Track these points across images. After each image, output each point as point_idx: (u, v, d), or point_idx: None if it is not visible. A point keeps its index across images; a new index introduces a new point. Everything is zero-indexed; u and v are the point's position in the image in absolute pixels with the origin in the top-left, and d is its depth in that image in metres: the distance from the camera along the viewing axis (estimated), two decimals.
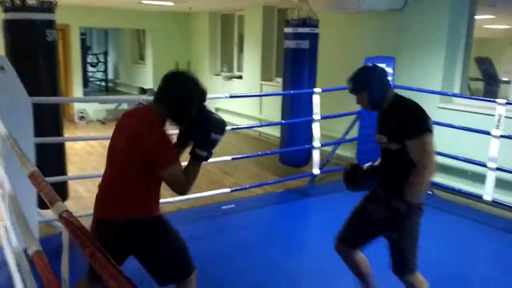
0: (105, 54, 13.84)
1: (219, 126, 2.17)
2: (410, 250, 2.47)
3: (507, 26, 7.56)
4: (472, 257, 3.88)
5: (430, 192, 5.22)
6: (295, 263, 3.52)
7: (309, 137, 5.20)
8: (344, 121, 5.67)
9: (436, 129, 5.29)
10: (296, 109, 5.44)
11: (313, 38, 5.36)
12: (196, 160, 2.15)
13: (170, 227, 2.26)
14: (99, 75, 13.94)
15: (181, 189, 2.15)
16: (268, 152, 5.84)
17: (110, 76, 13.91)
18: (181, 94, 2.11)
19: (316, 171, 5.24)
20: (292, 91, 5.40)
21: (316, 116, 5.10)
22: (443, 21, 5.26)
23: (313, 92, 5.08)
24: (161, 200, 4.66)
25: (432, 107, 5.37)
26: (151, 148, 2.04)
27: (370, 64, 2.53)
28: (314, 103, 5.06)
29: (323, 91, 5.13)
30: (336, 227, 4.33)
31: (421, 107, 2.41)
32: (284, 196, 5.14)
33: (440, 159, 5.19)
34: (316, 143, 5.16)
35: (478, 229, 4.32)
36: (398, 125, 2.37)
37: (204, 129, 2.14)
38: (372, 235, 2.60)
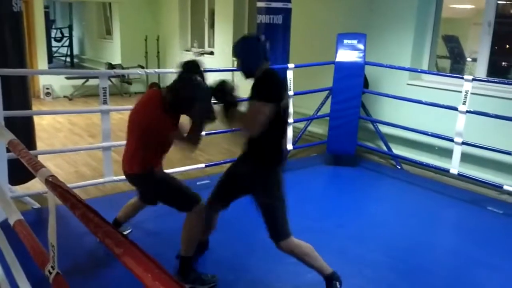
0: (70, 28, 13.34)
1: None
2: (279, 213, 2.66)
3: (472, 6, 7.74)
4: (438, 228, 4.06)
5: (398, 167, 5.39)
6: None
7: None
8: (315, 97, 5.72)
9: (405, 105, 5.47)
10: None
11: (286, 13, 5.35)
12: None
13: (165, 179, 2.90)
14: (64, 50, 13.47)
15: (190, 145, 2.81)
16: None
17: (76, 51, 13.46)
18: (182, 94, 2.62)
19: (289, 147, 5.30)
20: None
21: (290, 92, 5.12)
22: None
23: (286, 68, 5.10)
24: None
25: (402, 83, 5.51)
26: (151, 124, 2.67)
27: (254, 35, 2.83)
28: (287, 79, 5.08)
29: (296, 66, 5.15)
30: (307, 200, 4.43)
31: (278, 82, 2.60)
32: None
33: (408, 134, 5.40)
34: (290, 119, 5.19)
35: (445, 202, 4.50)
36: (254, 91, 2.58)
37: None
38: (236, 195, 2.86)
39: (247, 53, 2.63)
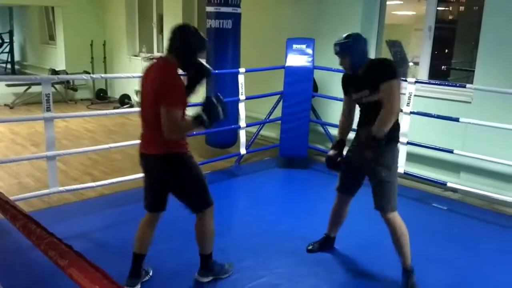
0: (10, 33, 12.75)
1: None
2: (394, 187, 2.88)
3: (413, 12, 8.12)
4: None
5: None
6: (225, 240, 3.55)
7: (235, 117, 5.23)
8: (266, 102, 5.76)
9: None
10: (221, 90, 5.41)
11: (236, 18, 5.36)
12: (195, 120, 2.58)
13: (194, 163, 2.76)
14: (4, 57, 12.84)
15: (173, 131, 2.52)
16: (194, 133, 5.77)
17: (17, 57, 12.87)
18: (187, 41, 2.61)
19: (242, 151, 5.30)
20: (216, 71, 5.36)
21: (242, 96, 5.13)
22: (357, 5, 5.52)
23: (238, 72, 5.11)
24: (82, 186, 4.43)
25: None
26: (164, 87, 2.47)
27: (356, 33, 2.86)
28: (239, 83, 5.09)
29: (247, 71, 5.17)
30: (262, 203, 4.43)
31: (391, 61, 2.98)
32: (211, 177, 5.11)
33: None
34: (242, 123, 5.20)
35: None
36: (375, 76, 2.72)
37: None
38: (361, 179, 3.06)
39: (357, 51, 2.79)
